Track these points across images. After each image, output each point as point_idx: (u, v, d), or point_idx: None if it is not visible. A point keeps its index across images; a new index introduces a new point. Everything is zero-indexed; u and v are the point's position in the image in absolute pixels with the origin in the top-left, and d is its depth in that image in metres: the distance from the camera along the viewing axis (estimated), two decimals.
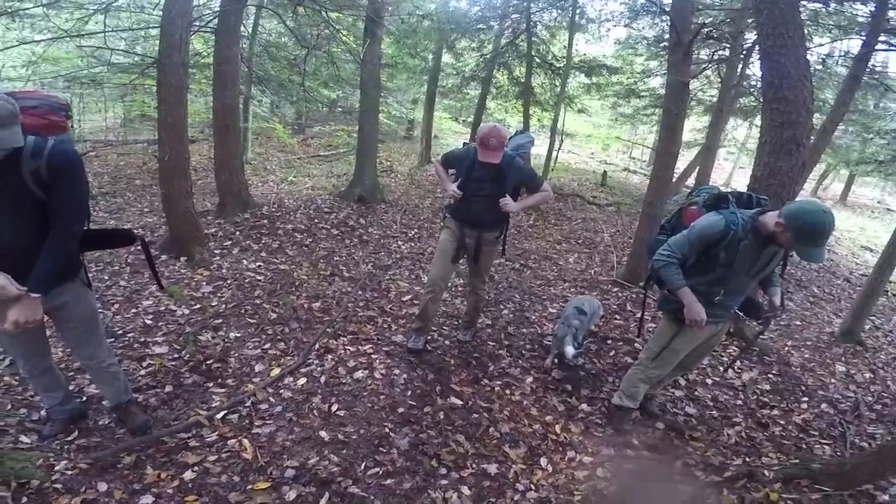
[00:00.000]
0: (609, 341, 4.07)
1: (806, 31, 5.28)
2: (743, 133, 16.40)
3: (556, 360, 3.56)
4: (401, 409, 2.83)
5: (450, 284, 4.49)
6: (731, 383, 3.61)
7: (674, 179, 7.39)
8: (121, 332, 3.32)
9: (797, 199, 4.42)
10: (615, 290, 5.35)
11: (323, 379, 3.02)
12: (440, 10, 10.47)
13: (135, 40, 8.44)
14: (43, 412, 2.41)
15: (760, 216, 2.20)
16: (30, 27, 6.42)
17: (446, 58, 12.40)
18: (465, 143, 3.44)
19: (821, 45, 9.22)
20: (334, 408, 2.76)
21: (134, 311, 3.64)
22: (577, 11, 9.63)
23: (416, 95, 15.32)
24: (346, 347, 3.43)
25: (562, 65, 10.30)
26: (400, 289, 4.68)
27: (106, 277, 4.17)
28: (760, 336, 2.80)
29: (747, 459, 2.75)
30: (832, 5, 7.24)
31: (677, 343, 2.56)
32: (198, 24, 5.98)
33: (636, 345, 3.95)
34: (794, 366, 4.10)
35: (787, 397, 3.55)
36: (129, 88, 8.65)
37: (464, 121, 17.00)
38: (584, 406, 3.15)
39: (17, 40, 6.67)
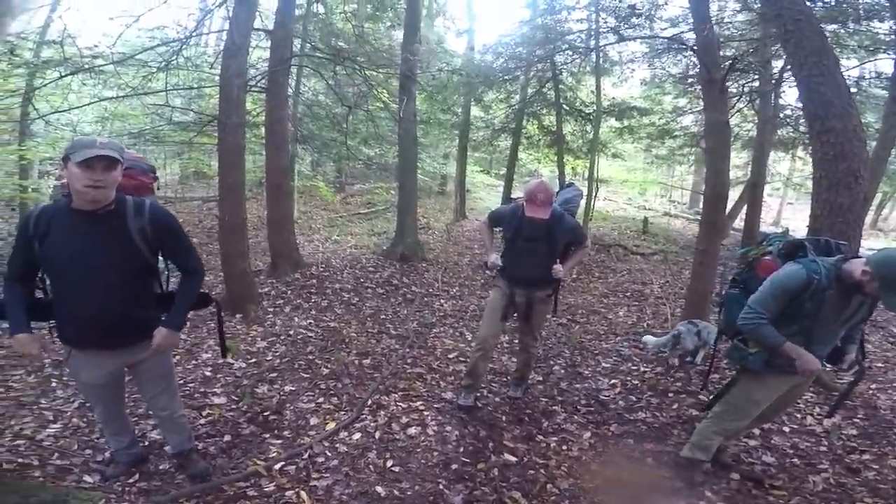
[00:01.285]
0: (671, 394, 3.89)
1: None
2: (786, 167, 15.81)
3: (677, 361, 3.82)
4: (454, 466, 2.78)
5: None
6: (811, 430, 3.37)
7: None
8: (181, 382, 3.47)
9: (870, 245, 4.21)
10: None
11: (377, 434, 3.03)
12: (467, 64, 10.95)
13: (192, 99, 9.12)
14: (107, 454, 2.52)
15: (844, 264, 2.12)
16: (102, 84, 6.97)
17: (475, 111, 12.72)
18: (511, 199, 3.51)
19: (850, 68, 8.99)
20: (389, 463, 2.75)
21: (194, 362, 3.83)
22: (601, 55, 9.74)
23: (448, 150, 15.72)
24: (398, 403, 3.45)
25: (591, 110, 10.33)
26: (445, 346, 4.72)
27: None
28: (852, 388, 2.61)
29: None
30: (851, 26, 7.03)
31: (758, 394, 2.44)
32: (249, 83, 6.40)
33: (700, 397, 3.76)
34: (883, 409, 3.79)
35: (879, 441, 3.26)
36: (187, 146, 9.27)
37: (496, 173, 17.30)
38: (649, 460, 2.99)
39: (92, 96, 7.40)
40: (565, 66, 10.49)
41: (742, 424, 2.58)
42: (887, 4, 5.84)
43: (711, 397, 2.83)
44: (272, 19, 6.55)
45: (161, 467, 2.52)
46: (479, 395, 3.60)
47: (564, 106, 10.61)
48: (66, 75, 5.86)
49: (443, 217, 12.92)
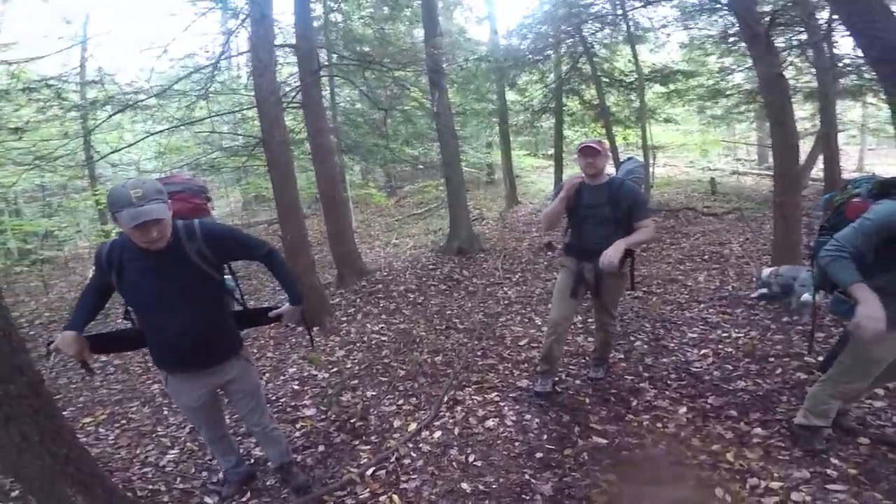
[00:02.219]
0: (772, 359, 3.55)
1: None
2: (858, 113, 14.36)
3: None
4: (539, 455, 2.69)
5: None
6: None
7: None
8: (274, 398, 3.65)
9: None
10: (762, 303, 4.76)
11: (456, 430, 3.00)
12: (493, 50, 10.74)
13: (237, 123, 9.45)
14: (220, 475, 2.67)
15: None
16: (150, 119, 7.29)
17: (511, 95, 12.39)
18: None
19: None
20: (471, 458, 2.71)
21: (282, 378, 4.01)
22: (631, 23, 9.25)
23: (490, 138, 15.54)
24: (473, 397, 3.40)
25: (633, 79, 9.86)
26: (515, 334, 4.61)
27: (255, 351, 4.66)
28: None
29: None
30: None
31: (879, 351, 2.14)
32: (285, 100, 6.56)
33: (806, 359, 3.42)
34: None
35: None
36: (242, 172, 9.64)
37: (543, 154, 16.85)
38: (757, 430, 2.73)
39: (144, 132, 7.73)
40: (596, 39, 10.09)
41: (862, 386, 2.31)
42: None
43: (823, 359, 2.56)
44: (294, 33, 6.63)
45: (268, 483, 2.65)
46: (556, 379, 3.46)
47: (603, 78, 10.15)
48: (114, 113, 6.17)
49: (495, 206, 12.77)
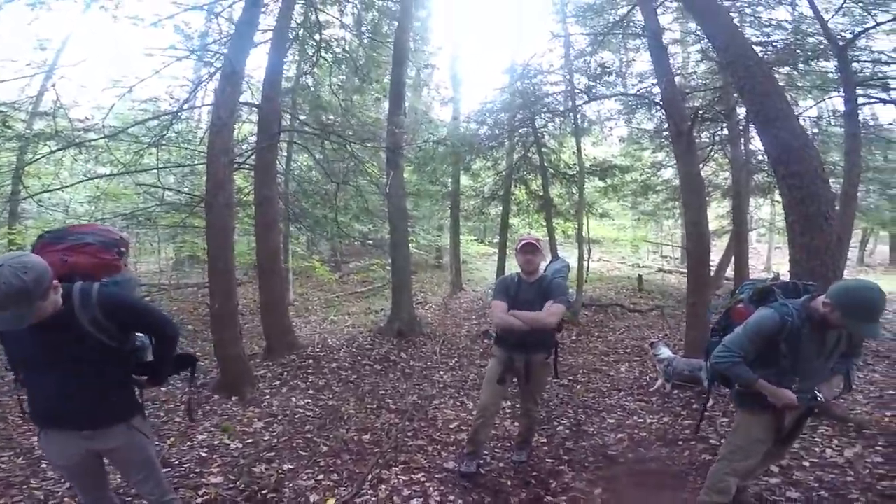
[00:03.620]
0: (680, 442, 3.79)
1: (789, 97, 5.34)
2: (768, 211, 16.09)
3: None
4: None
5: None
6: (832, 461, 3.26)
7: (711, 273, 7.20)
8: (177, 462, 3.42)
9: (844, 274, 4.29)
10: (675, 392, 5.12)
11: None
12: (453, 133, 11.19)
13: (185, 176, 8.87)
14: None
15: (811, 302, 2.21)
16: (94, 160, 6.71)
17: (465, 179, 12.92)
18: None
19: (808, 108, 9.23)
20: None
21: (189, 444, 3.76)
22: (579, 116, 10.16)
23: (441, 221, 15.78)
24: (399, 477, 3.35)
25: (575, 171, 10.59)
26: (447, 416, 4.65)
27: (162, 414, 4.36)
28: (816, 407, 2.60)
29: None
30: (801, 67, 7.43)
31: (758, 432, 2.43)
32: (238, 160, 6.27)
33: (711, 441, 3.67)
34: None
35: None
36: (180, 229, 8.86)
37: (489, 241, 17.51)
38: None
39: (84, 174, 7.07)
40: (546, 130, 10.87)
41: (751, 463, 2.52)
42: (829, 44, 6.26)
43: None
44: (262, 91, 6.53)
45: None
46: (482, 461, 3.49)
47: (550, 169, 10.85)
48: (57, 150, 5.69)
49: (440, 290, 12.95)
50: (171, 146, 6.98)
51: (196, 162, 7.83)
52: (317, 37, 7.76)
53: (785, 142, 3.71)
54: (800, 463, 3.27)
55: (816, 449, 3.45)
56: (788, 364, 2.24)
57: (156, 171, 6.53)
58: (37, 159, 6.18)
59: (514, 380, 3.37)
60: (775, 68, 6.78)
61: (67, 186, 7.10)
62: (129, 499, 2.82)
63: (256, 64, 7.78)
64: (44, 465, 3.23)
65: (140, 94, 6.89)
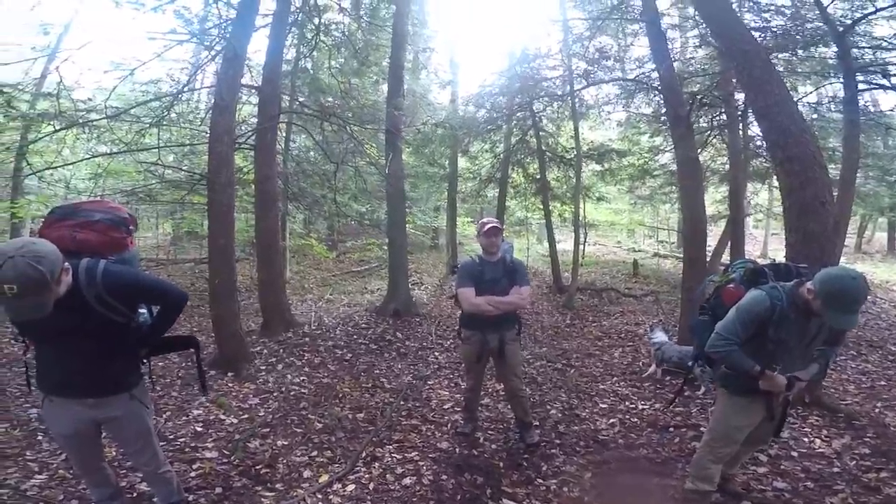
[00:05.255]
0: (671, 429, 3.86)
1: (788, 83, 5.26)
2: (765, 197, 15.85)
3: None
4: None
5: (491, 390, 4.69)
6: (820, 452, 3.32)
7: (707, 259, 7.22)
8: (172, 436, 3.45)
9: (840, 260, 4.28)
10: (667, 378, 5.17)
11: (371, 486, 2.98)
12: (451, 116, 11.17)
13: (185, 156, 9.07)
14: None
15: (799, 288, 2.17)
16: (96, 139, 6.96)
17: (462, 162, 12.85)
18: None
19: (807, 94, 9.19)
20: None
21: (185, 418, 3.80)
22: (577, 100, 10.05)
23: (438, 203, 15.80)
24: (393, 455, 3.41)
25: (572, 155, 10.54)
26: (441, 397, 4.71)
27: (159, 388, 4.37)
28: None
29: None
30: (800, 53, 7.32)
31: (740, 418, 2.44)
32: (238, 141, 6.39)
33: (702, 429, 3.70)
34: (893, 426, 3.77)
35: (894, 458, 3.22)
36: (179, 205, 9.13)
37: None
38: (654, 495, 2.91)
39: (86, 152, 7.34)
40: (544, 113, 10.82)
41: (733, 449, 2.54)
42: (829, 30, 6.18)
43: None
44: (261, 74, 6.68)
45: None
46: (476, 441, 3.62)
47: (547, 153, 10.83)
48: (60, 129, 5.86)
49: (436, 272, 12.94)
50: (172, 126, 7.03)
51: (196, 142, 7.91)
52: (316, 20, 7.70)
53: (783, 127, 3.70)
54: (788, 453, 3.33)
55: (805, 439, 3.51)
56: (772, 349, 2.23)
57: (157, 149, 6.60)
58: (40, 138, 6.32)
59: (489, 359, 3.56)
60: (774, 54, 6.70)
61: (69, 164, 7.21)
62: (124, 471, 2.86)
63: (256, 47, 7.76)
64: (40, 437, 3.25)
65: (141, 77, 6.98)
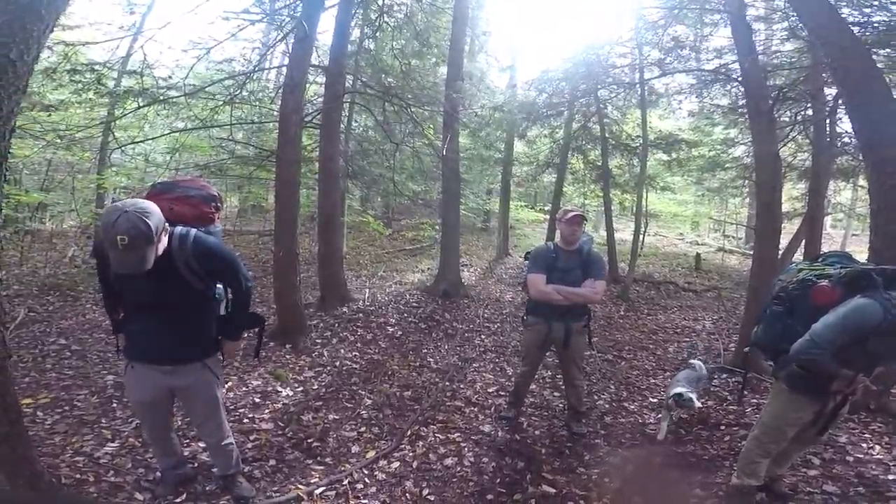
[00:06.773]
0: (723, 427, 3.72)
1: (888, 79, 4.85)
2: (848, 196, 14.72)
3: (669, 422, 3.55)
4: (489, 496, 2.79)
5: (538, 376, 4.58)
6: (878, 459, 3.14)
7: (778, 257, 6.79)
8: (232, 407, 3.63)
9: None
10: (724, 376, 4.96)
11: (415, 464, 3.08)
12: (510, 100, 11.03)
13: (253, 133, 9.50)
14: (158, 473, 2.62)
15: None
16: (174, 115, 7.37)
17: (519, 146, 12.70)
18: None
19: None
20: (425, 492, 2.80)
21: (244, 389, 3.99)
22: (646, 89, 9.64)
23: (491, 185, 15.72)
24: (436, 435, 3.50)
25: (638, 144, 10.15)
26: (486, 380, 4.75)
27: (220, 357, 4.62)
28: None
29: None
30: None
31: (792, 415, 2.34)
32: (306, 119, 6.64)
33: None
34: None
35: None
36: (247, 180, 9.69)
37: (540, 208, 17.15)
38: (697, 491, 2.85)
39: (165, 127, 7.83)
40: (610, 101, 10.42)
41: (779, 446, 2.45)
42: None
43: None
44: (328, 55, 6.86)
45: (208, 488, 2.60)
46: (520, 427, 3.64)
47: (610, 140, 10.47)
48: (143, 106, 6.27)
49: (486, 255, 12.93)
50: (244, 104, 7.37)
51: (264, 120, 8.24)
52: (379, 2, 7.83)
53: (879, 126, 3.42)
54: (843, 457, 3.17)
55: (864, 444, 3.32)
56: (864, 361, 2.05)
57: (228, 126, 6.94)
58: (126, 114, 6.71)
59: (553, 348, 3.53)
60: (874, 50, 6.09)
61: (151, 139, 7.83)
62: (187, 440, 3.04)
63: (322, 28, 7.96)
64: (115, 405, 3.46)
65: (216, 56, 7.34)
